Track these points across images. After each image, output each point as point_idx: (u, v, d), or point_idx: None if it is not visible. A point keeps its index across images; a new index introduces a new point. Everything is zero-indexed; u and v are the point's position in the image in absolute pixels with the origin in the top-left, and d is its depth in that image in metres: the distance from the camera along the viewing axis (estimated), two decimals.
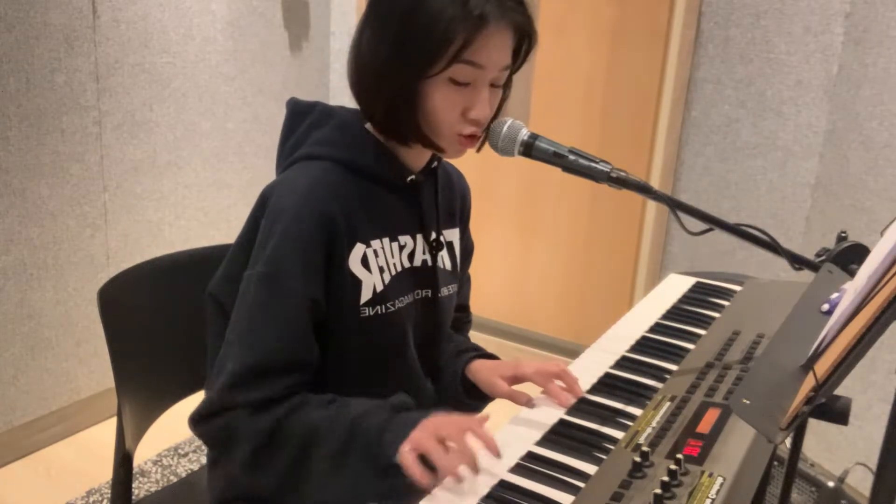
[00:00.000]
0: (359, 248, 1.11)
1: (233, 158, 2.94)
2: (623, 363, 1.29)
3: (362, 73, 1.12)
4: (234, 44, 2.85)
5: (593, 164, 1.14)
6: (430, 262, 1.23)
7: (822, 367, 0.76)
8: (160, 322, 1.34)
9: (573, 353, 1.26)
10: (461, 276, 1.36)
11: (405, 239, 1.19)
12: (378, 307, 1.13)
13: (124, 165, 2.55)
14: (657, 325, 1.45)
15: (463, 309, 1.43)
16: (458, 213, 1.34)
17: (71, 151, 2.38)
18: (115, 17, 2.43)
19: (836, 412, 0.97)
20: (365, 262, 1.12)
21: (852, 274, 1.14)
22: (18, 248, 2.31)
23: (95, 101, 2.42)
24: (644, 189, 1.15)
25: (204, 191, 2.85)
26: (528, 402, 1.17)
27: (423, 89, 1.07)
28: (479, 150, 1.18)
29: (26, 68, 2.22)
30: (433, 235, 1.24)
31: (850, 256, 1.18)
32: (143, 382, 1.31)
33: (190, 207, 2.81)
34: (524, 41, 1.12)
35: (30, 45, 2.22)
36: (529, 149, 1.15)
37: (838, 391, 0.85)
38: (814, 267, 1.19)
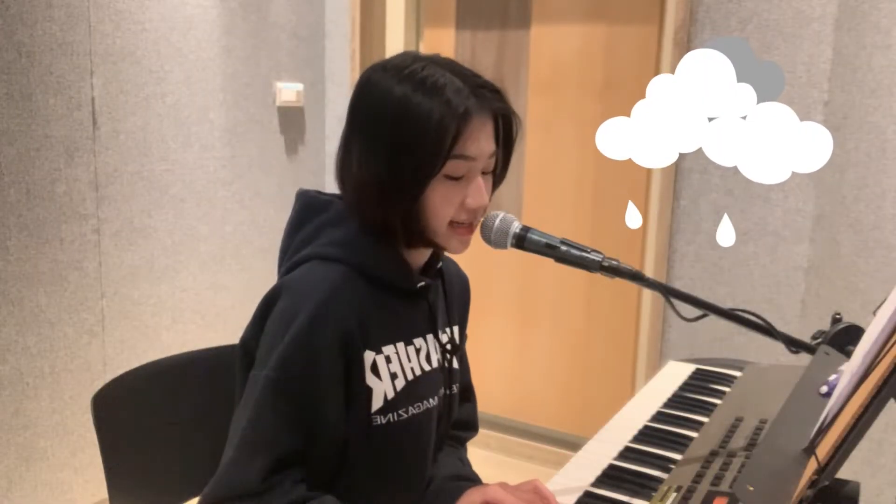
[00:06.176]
0: (368, 356, 1.10)
1: (230, 261, 2.96)
2: (627, 454, 1.28)
3: (361, 191, 1.11)
4: (232, 150, 2.91)
5: (585, 254, 1.16)
6: (444, 363, 1.22)
7: (824, 449, 0.75)
8: (155, 427, 1.32)
9: (575, 445, 1.25)
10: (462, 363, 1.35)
11: (420, 342, 1.18)
12: (390, 415, 1.11)
13: (122, 271, 2.57)
14: (659, 413, 1.43)
15: (466, 388, 1.40)
16: (460, 308, 1.33)
17: (69, 259, 2.40)
18: (115, 128, 2.49)
19: (845, 497, 0.95)
20: (375, 369, 1.10)
21: (849, 355, 1.14)
22: (15, 358, 2.29)
23: (94, 209, 2.46)
24: (636, 277, 1.16)
25: (201, 294, 2.86)
26: None
27: (424, 192, 1.08)
28: None
29: (27, 179, 2.27)
30: (446, 338, 1.23)
31: (845, 337, 1.18)
32: (136, 491, 1.28)
33: (187, 311, 2.81)
34: (507, 125, 1.15)
35: (31, 158, 2.27)
36: (521, 241, 1.16)
37: (847, 476, 0.84)
38: (810, 350, 1.19)
